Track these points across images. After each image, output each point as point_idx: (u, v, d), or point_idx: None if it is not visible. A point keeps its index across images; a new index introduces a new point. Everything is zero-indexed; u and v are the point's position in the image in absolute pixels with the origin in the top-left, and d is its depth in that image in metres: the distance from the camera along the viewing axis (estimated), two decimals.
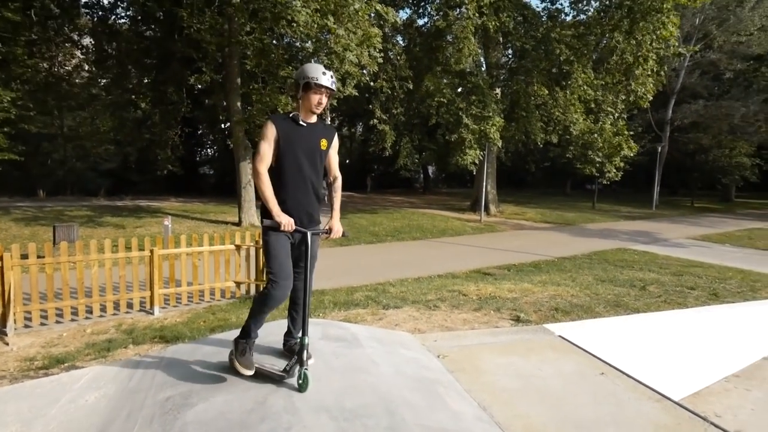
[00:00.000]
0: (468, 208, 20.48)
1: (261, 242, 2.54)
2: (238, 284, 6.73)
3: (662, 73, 16.68)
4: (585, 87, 16.58)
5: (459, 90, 16.40)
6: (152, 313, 5.96)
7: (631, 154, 19.50)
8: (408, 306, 5.28)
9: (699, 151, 28.81)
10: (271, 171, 2.50)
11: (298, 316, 2.68)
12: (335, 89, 2.53)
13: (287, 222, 2.39)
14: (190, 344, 3.40)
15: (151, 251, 5.94)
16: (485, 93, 15.46)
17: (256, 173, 2.44)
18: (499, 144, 16.42)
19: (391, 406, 2.29)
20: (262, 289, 2.37)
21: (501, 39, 17.04)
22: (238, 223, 13.35)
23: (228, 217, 14.81)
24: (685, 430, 2.50)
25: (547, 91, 16.81)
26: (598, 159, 19.17)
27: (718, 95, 30.26)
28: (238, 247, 6.68)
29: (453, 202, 24.93)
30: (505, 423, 2.41)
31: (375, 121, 17.45)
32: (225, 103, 13.94)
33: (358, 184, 27.64)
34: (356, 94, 11.81)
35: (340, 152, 2.86)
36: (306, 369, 2.41)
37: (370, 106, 18.10)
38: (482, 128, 15.10)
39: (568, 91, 16.65)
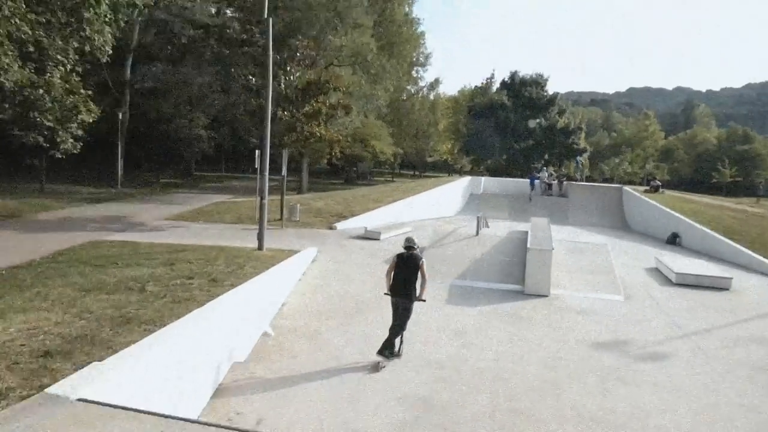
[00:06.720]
0: None
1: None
2: None
3: (120, 22, 16.72)
4: (18, 21, 14.33)
5: None
6: None
7: (91, 120, 18.88)
8: None
9: (161, 120, 31.62)
10: None
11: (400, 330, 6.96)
12: None
13: None
14: None
15: None
16: None
17: None
18: None
19: None
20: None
21: None
22: None
23: None
24: None
25: None
26: (47, 123, 17.34)
27: (174, 60, 34.12)
28: None
29: None
30: None
31: None
32: None
33: None
34: None
35: None
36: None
37: None
38: None
39: None
